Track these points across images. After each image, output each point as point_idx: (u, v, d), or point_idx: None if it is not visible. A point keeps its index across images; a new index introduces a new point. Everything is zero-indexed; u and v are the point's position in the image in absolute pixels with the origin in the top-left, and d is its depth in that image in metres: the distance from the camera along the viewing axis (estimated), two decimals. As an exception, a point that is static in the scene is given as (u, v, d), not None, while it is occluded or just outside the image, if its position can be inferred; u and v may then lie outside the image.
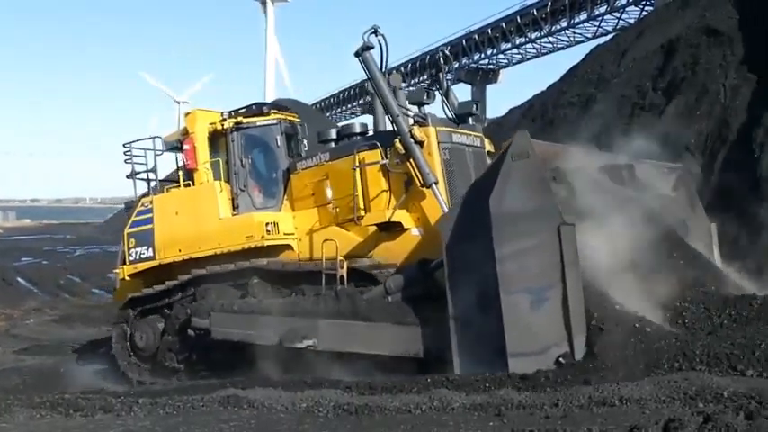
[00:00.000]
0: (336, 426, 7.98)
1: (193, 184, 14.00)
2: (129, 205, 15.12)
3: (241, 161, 13.74)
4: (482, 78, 59.50)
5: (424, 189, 11.47)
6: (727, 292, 10.71)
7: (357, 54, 11.91)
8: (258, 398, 9.16)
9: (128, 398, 9.99)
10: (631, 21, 41.04)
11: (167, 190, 14.63)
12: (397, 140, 11.62)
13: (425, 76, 64.44)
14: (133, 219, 14.63)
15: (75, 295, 30.60)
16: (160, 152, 14.83)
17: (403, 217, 11.74)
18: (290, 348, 11.39)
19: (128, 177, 15.03)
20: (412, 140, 11.50)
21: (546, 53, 53.23)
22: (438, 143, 11.85)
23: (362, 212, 12.09)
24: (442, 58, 12.89)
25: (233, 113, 13.96)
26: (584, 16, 46.58)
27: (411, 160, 11.55)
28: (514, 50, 54.74)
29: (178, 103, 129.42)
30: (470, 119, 12.87)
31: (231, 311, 12.35)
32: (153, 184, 14.84)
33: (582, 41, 48.73)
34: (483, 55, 56.13)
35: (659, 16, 34.72)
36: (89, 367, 15.93)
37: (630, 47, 33.37)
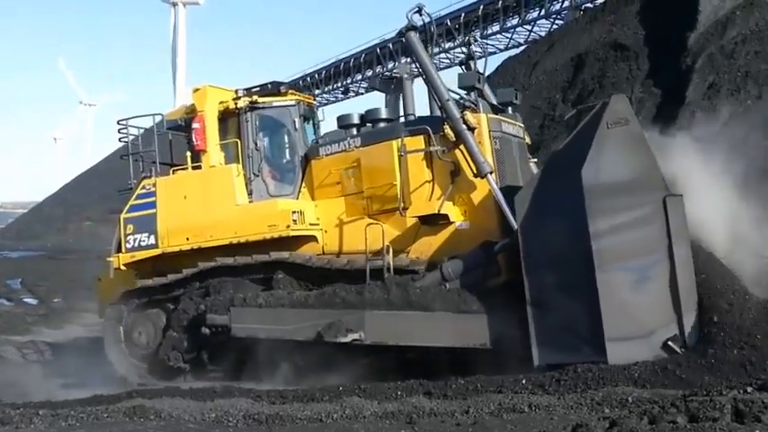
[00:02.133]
0: (247, 435, 7.80)
1: (201, 167, 12.68)
2: (127, 188, 13.57)
3: (255, 144, 12.58)
4: (396, 87, 59.68)
5: (475, 180, 10.61)
6: None
7: (401, 33, 11.14)
8: (165, 408, 8.78)
9: (27, 409, 9.37)
10: (542, 34, 42.03)
11: (173, 172, 13.17)
12: (446, 126, 10.70)
13: (339, 84, 64.60)
14: (132, 202, 13.13)
15: (-31, 302, 29.16)
16: (160, 131, 13.47)
17: (450, 209, 10.78)
18: (327, 344, 10.37)
19: (122, 157, 13.70)
20: (465, 127, 10.58)
21: (459, 63, 53.95)
22: (489, 131, 10.97)
23: (402, 203, 11.05)
24: (473, 44, 11.90)
25: (247, 92, 12.74)
26: (496, 28, 47.23)
27: (462, 148, 10.65)
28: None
29: (83, 104, 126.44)
30: (509, 108, 11.99)
31: (255, 306, 11.12)
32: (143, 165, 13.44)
33: (494, 53, 49.41)
34: (397, 64, 56.49)
35: (569, 30, 35.65)
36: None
37: (541, 59, 34.17)
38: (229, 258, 11.98)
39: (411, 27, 11.04)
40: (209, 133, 12.61)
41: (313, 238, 11.97)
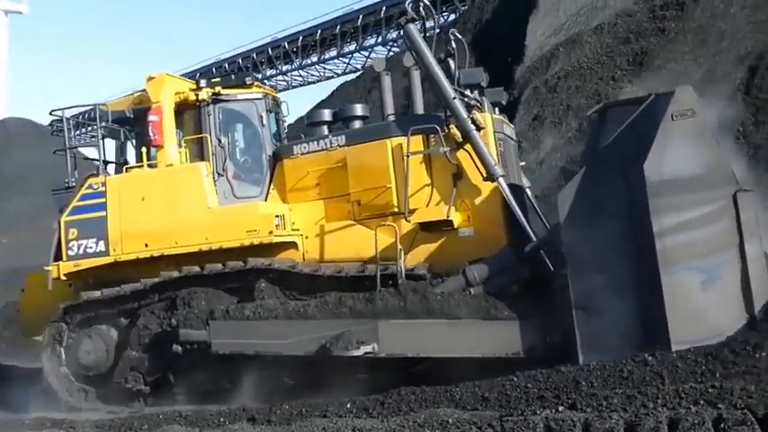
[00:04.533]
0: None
1: (156, 165, 11.11)
2: (63, 187, 11.85)
3: (219, 140, 11.23)
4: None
5: (479, 183, 9.97)
6: None
7: (400, 26, 10.40)
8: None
9: None
10: (380, 60, 42.85)
11: (126, 170, 11.50)
12: (453, 126, 9.94)
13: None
14: (75, 204, 11.22)
15: None
16: (104, 123, 11.76)
17: (455, 215, 10.04)
18: (333, 359, 9.39)
19: (56, 152, 11.80)
20: (473, 127, 9.88)
21: (296, 86, 53.53)
22: (494, 132, 10.29)
23: (403, 208, 10.22)
24: (454, 41, 11.15)
25: (209, 82, 11.37)
26: (333, 53, 47.71)
27: (468, 149, 9.95)
28: (264, 81, 55.21)
29: None
30: (496, 109, 11.21)
31: (241, 318, 9.83)
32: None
33: (332, 77, 49.88)
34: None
35: (404, 59, 36.32)
36: None
37: (375, 85, 34.59)
38: (238, 262, 10.48)
39: (411, 19, 10.28)
40: (167, 127, 11.15)
41: (293, 245, 10.81)
